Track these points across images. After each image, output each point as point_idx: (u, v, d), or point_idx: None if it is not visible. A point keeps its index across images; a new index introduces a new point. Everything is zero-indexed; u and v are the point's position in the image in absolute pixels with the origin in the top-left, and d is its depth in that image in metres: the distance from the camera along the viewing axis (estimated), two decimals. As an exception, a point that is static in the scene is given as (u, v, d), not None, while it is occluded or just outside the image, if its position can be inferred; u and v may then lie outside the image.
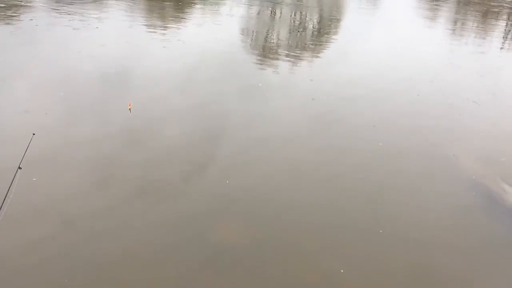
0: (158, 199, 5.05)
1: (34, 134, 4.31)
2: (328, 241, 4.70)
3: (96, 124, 6.57)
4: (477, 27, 14.20)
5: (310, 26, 13.22)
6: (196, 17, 12.81)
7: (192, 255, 4.31)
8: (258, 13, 14.02)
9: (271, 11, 14.24)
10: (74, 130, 6.29)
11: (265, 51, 10.73)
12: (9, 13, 11.33)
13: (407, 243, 4.78)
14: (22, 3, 12.28)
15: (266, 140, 6.52)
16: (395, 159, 6.35)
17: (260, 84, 8.58)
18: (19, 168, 3.79)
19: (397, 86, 9.08)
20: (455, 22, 14.66)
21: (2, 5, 11.77)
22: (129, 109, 7.10)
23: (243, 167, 5.84)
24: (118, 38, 10.59)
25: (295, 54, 10.56)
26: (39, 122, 6.35)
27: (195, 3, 13.91)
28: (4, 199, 3.45)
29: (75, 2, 12.84)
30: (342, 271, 4.31)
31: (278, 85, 8.73)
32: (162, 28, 11.62)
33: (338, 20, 13.95)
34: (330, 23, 13.72)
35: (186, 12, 13.16)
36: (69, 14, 11.64)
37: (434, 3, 17.15)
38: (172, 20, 12.50)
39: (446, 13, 15.78)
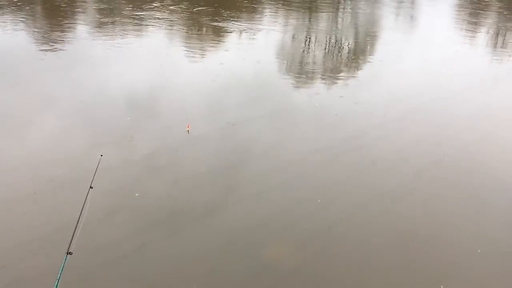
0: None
1: (102, 155, 4.53)
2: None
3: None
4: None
5: (346, 50, 13.36)
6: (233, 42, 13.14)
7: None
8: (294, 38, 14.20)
9: (306, 36, 14.40)
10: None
11: (302, 74, 11.04)
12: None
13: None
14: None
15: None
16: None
17: (317, 104, 9.00)
18: (91, 187, 3.97)
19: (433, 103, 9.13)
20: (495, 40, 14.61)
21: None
22: (187, 130, 7.41)
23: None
24: (159, 61, 10.86)
25: (331, 76, 10.68)
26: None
27: (228, 31, 14.21)
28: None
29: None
30: None
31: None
32: (201, 52, 11.91)
33: (373, 43, 13.97)
34: (366, 45, 13.82)
35: (222, 38, 13.47)
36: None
37: (474, 18, 17.09)
38: (210, 41, 12.88)
39: (487, 29, 15.72)
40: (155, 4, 17.24)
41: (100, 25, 14.16)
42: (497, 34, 15.08)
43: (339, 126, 8.20)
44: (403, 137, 7.87)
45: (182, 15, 16.09)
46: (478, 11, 18.76)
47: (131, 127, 7.65)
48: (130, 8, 16.44)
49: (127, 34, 13.32)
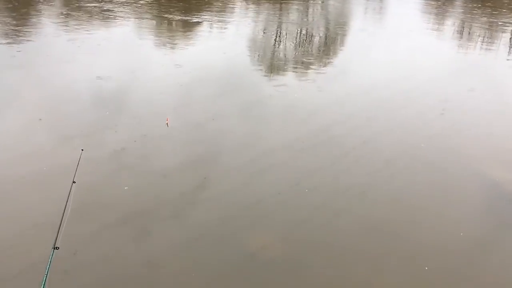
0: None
1: (82, 149, 4.54)
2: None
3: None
4: (484, 35, 14.57)
5: (316, 41, 13.51)
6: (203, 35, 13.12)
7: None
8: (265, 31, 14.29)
9: (278, 28, 14.51)
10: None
11: (273, 66, 11.21)
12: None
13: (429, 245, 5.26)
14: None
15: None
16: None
17: (288, 96, 9.21)
18: (74, 182, 4.00)
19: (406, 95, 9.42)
20: (461, 30, 15.04)
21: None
22: (167, 123, 7.40)
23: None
24: (126, 54, 10.82)
25: (301, 68, 10.86)
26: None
27: (201, 25, 14.18)
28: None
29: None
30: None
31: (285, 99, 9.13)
32: (170, 45, 11.85)
33: (344, 36, 14.20)
34: (336, 36, 14.01)
35: (194, 31, 13.40)
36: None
37: (441, 9, 17.52)
38: (179, 37, 12.82)
39: (453, 19, 16.16)
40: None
41: (65, 18, 13.89)
42: (462, 26, 15.56)
43: (309, 118, 8.33)
44: (373, 127, 8.07)
45: (150, 8, 15.93)
46: (445, 3, 19.28)
47: (105, 122, 7.59)
48: (96, 2, 16.14)
49: (93, 27, 13.11)
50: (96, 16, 14.36)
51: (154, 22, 14.25)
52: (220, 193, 5.97)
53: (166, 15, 14.97)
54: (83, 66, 10.05)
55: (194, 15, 15.27)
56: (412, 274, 4.79)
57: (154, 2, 17.08)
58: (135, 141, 7.08)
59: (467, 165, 6.90)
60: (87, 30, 12.73)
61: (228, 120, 8.04)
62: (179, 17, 14.86)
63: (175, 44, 12.36)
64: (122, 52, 11.26)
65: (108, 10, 15.11)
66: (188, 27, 13.96)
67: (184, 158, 6.77)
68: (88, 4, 15.64)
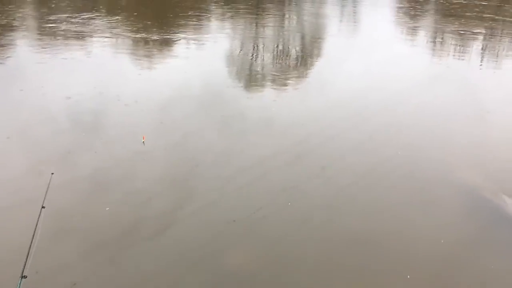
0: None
1: (52, 173, 4.46)
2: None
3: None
4: (455, 44, 14.85)
5: (293, 54, 13.69)
6: (181, 51, 13.14)
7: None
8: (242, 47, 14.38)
9: (254, 43, 14.61)
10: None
11: (250, 81, 11.25)
12: None
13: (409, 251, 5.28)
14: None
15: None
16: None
17: (265, 110, 9.22)
18: (43, 207, 3.92)
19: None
20: (434, 39, 15.32)
21: None
22: (143, 142, 7.36)
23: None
24: (101, 70, 10.73)
25: (279, 82, 10.94)
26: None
27: (178, 42, 14.22)
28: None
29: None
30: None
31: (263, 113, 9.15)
32: (146, 63, 11.85)
33: (319, 48, 14.30)
34: (312, 49, 14.15)
35: (170, 48, 13.43)
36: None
37: (413, 19, 17.85)
38: (155, 54, 12.85)
39: (425, 28, 16.46)
40: (96, 14, 16.93)
41: (36, 37, 13.77)
42: (435, 35, 15.86)
43: (287, 131, 8.37)
44: (351, 139, 8.14)
45: (124, 26, 15.89)
46: (417, 14, 19.66)
47: (79, 143, 7.48)
48: (70, 19, 16.05)
49: (69, 45, 13.01)
50: (69, 35, 14.25)
51: (129, 40, 14.19)
52: (199, 211, 5.93)
53: (141, 33, 14.93)
54: (56, 87, 9.94)
55: (170, 32, 15.28)
56: (394, 284, 4.76)
57: (129, 20, 17.06)
58: (110, 161, 7.00)
59: (443, 173, 6.99)
60: (59, 50, 12.61)
61: (207, 136, 8.01)
62: (155, 35, 14.84)
63: (151, 61, 12.32)
64: (97, 72, 11.16)
65: (81, 29, 15.01)
66: (164, 44, 13.95)
67: (162, 176, 6.72)
68: (60, 24, 15.51)
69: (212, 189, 6.40)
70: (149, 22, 16.89)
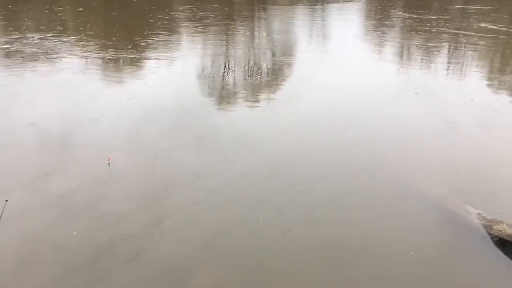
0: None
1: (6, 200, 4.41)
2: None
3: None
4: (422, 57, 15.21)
5: (264, 70, 13.88)
6: (151, 68, 13.12)
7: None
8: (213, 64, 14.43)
9: (226, 60, 14.71)
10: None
11: (222, 99, 11.31)
12: None
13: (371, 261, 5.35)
14: None
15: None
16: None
17: (238, 127, 9.17)
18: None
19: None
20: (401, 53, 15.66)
21: None
22: (108, 163, 7.29)
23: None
24: (67, 91, 10.61)
25: (250, 99, 11.02)
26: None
27: (149, 58, 14.19)
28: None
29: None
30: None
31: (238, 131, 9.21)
32: (115, 83, 11.82)
33: (290, 64, 14.51)
34: (282, 65, 14.33)
35: (140, 67, 13.39)
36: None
37: (380, 34, 18.23)
38: (125, 74, 12.81)
39: (392, 42, 16.82)
40: (60, 34, 16.79)
41: (5, 55, 13.55)
42: (401, 48, 16.23)
43: (260, 148, 8.44)
44: (324, 153, 8.26)
45: (94, 46, 15.79)
46: (384, 27, 20.10)
47: (45, 166, 7.34)
48: (33, 39, 15.86)
49: (33, 66, 12.84)
50: (32, 56, 14.05)
51: (97, 60, 14.10)
52: (172, 232, 5.89)
53: (109, 52, 14.85)
54: (19, 110, 9.75)
55: (139, 50, 15.24)
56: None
57: (96, 39, 16.97)
58: (77, 184, 6.89)
59: (411, 185, 7.13)
60: (23, 71, 12.43)
61: (178, 155, 8.00)
62: (123, 53, 14.79)
63: (119, 80, 12.27)
64: (63, 93, 11.06)
65: (44, 49, 14.84)
66: (133, 62, 13.91)
67: (131, 198, 6.65)
68: (22, 45, 15.30)
69: (184, 210, 6.38)
70: (117, 41, 16.82)
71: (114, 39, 17.12)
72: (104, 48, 15.51)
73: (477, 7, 24.68)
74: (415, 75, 13.14)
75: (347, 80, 12.58)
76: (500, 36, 17.19)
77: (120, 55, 14.60)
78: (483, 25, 19.34)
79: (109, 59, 14.16)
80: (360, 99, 11.08)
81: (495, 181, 7.24)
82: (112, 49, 15.27)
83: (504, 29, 18.50)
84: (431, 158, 8.07)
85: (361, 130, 9.19)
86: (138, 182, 7.11)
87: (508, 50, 15.90)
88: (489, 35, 17.42)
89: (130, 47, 15.76)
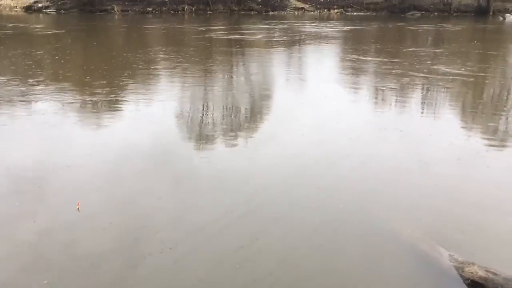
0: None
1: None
2: None
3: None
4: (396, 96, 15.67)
5: (243, 111, 14.10)
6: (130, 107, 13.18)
7: None
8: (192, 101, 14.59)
9: (204, 101, 14.95)
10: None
11: (201, 139, 11.39)
12: None
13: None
14: None
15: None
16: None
17: (216, 167, 9.15)
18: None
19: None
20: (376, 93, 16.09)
21: None
22: (78, 208, 7.20)
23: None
24: (44, 135, 10.57)
25: (229, 139, 11.15)
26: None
27: (127, 99, 14.28)
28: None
29: None
30: None
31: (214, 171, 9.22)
32: (92, 126, 11.87)
33: (267, 105, 14.73)
34: (261, 105, 14.61)
35: (118, 109, 13.46)
36: None
37: (355, 78, 18.74)
38: (103, 115, 12.84)
39: (368, 82, 17.28)
40: (40, 77, 16.81)
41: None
42: (376, 88, 16.68)
43: (238, 189, 8.48)
44: (301, 192, 8.33)
45: (71, 88, 15.82)
46: (359, 68, 20.70)
47: (15, 212, 7.20)
48: (10, 83, 15.84)
49: (8, 111, 12.75)
50: (7, 100, 13.98)
51: (74, 103, 14.11)
52: (148, 278, 5.76)
53: (86, 95, 14.90)
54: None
55: (117, 93, 15.33)
56: None
57: (74, 83, 17.03)
58: (50, 229, 6.75)
59: (385, 228, 7.21)
60: None
61: (156, 197, 7.96)
62: (101, 96, 14.85)
63: (96, 124, 12.26)
64: (39, 138, 10.96)
65: (21, 93, 14.80)
66: (111, 105, 13.96)
67: (106, 242, 6.54)
68: None
69: (160, 254, 6.29)
70: (93, 83, 16.92)
71: (90, 81, 17.24)
72: (79, 90, 15.58)
73: (440, 50, 25.99)
74: (390, 115, 13.47)
75: (324, 120, 12.81)
76: (465, 79, 17.87)
77: (96, 98, 14.66)
78: (444, 68, 20.17)
79: (85, 102, 14.19)
80: (336, 139, 11.29)
81: (466, 221, 7.37)
82: (88, 92, 15.35)
83: (467, 72, 19.31)
84: (406, 198, 8.20)
85: (337, 171, 9.31)
86: (112, 226, 7.02)
87: (477, 91, 16.52)
88: (455, 77, 18.11)
89: (106, 89, 15.87)
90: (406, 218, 7.48)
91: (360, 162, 9.75)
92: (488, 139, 11.28)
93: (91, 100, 14.34)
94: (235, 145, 10.84)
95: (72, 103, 14.12)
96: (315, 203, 7.95)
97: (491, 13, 49.94)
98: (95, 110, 13.51)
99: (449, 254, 6.30)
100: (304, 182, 8.80)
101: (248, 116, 13.66)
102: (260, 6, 58.68)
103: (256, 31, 37.30)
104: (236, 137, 11.44)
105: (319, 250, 6.55)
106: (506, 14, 48.85)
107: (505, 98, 16.03)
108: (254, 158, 10.02)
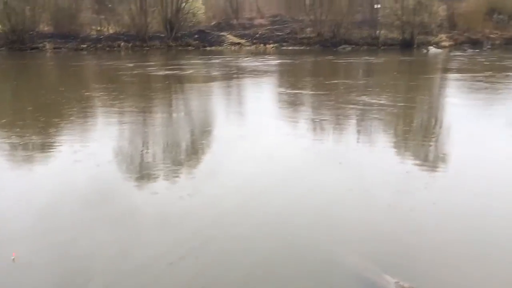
0: None
1: None
2: None
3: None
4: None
5: (183, 147, 14.04)
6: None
7: None
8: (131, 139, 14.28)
9: (143, 139, 14.64)
10: None
11: (141, 176, 11.08)
12: None
13: None
14: None
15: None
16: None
17: (157, 204, 8.85)
18: None
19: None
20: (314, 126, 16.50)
21: None
22: (13, 259, 6.83)
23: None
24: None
25: (170, 175, 10.99)
26: None
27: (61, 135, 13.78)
28: None
29: None
30: None
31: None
32: (25, 168, 11.37)
33: (208, 140, 14.81)
34: (202, 141, 14.58)
35: (54, 149, 12.94)
36: None
37: (293, 110, 19.18)
38: (37, 155, 12.30)
39: (306, 115, 17.72)
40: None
41: None
42: (313, 121, 17.15)
43: (181, 224, 8.35)
44: (247, 224, 8.32)
45: (2, 127, 15.03)
46: (297, 101, 21.26)
47: None
48: None
49: None
50: None
51: (4, 145, 13.39)
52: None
53: (18, 137, 14.21)
54: None
55: (52, 134, 14.75)
56: None
57: (5, 124, 16.23)
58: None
59: (331, 258, 7.28)
60: None
61: (96, 238, 7.62)
62: (34, 138, 14.21)
63: (30, 167, 11.67)
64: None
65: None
66: (45, 147, 13.37)
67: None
68: None
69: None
70: (26, 123, 16.20)
71: (22, 122, 16.47)
72: (11, 132, 14.81)
73: (363, 82, 27.65)
74: (327, 145, 13.86)
75: (264, 153, 12.97)
76: (390, 109, 18.89)
77: (29, 140, 13.99)
78: (368, 99, 21.25)
79: (16, 144, 13.49)
80: (277, 171, 11.42)
81: (410, 247, 7.60)
82: (20, 133, 14.62)
83: (390, 102, 20.47)
84: (350, 226, 8.37)
85: (279, 204, 9.38)
86: (50, 273, 6.70)
87: (407, 120, 17.46)
88: (381, 108, 19.09)
89: (40, 130, 15.20)
90: (351, 246, 7.61)
91: (302, 192, 9.89)
92: (420, 164, 11.89)
93: (22, 142, 13.65)
94: (176, 182, 10.69)
95: (2, 144, 13.39)
96: (259, 236, 7.93)
97: (415, 46, 53.50)
98: (27, 152, 12.85)
99: (395, 281, 6.42)
100: (244, 217, 8.80)
101: (188, 151, 13.56)
102: (197, 41, 59.35)
103: (193, 66, 37.60)
104: (177, 173, 11.30)
105: (263, 285, 6.48)
106: (429, 47, 52.56)
107: (430, 125, 17.05)
108: (194, 193, 9.92)
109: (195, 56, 47.37)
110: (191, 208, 9.04)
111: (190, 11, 60.50)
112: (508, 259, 7.25)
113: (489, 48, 52.89)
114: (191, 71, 33.82)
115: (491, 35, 55.77)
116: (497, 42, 54.79)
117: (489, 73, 30.52)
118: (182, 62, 41.13)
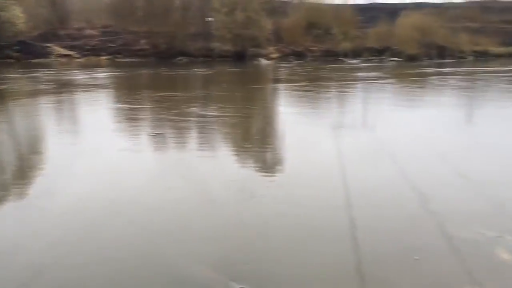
0: None
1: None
2: None
3: None
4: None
5: (9, 170, 12.80)
6: None
7: None
8: None
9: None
10: None
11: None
12: None
13: None
14: None
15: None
16: None
17: None
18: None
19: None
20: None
21: None
22: None
23: None
24: None
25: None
26: None
27: None
28: None
29: None
30: None
31: None
32: None
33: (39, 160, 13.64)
34: (30, 161, 13.47)
35: None
36: None
37: (133, 125, 18.67)
38: None
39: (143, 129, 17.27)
40: None
41: None
42: (156, 133, 16.91)
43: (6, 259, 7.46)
44: (85, 251, 7.78)
45: None
46: (133, 114, 20.73)
47: None
48: None
49: None
50: None
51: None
52: None
53: None
54: None
55: None
56: None
57: None
58: None
59: (181, 273, 7.19)
60: None
61: None
62: None
63: None
64: None
65: None
66: None
67: None
68: None
69: None
70: None
71: None
72: None
73: (193, 94, 28.62)
74: (169, 160, 13.81)
75: (103, 169, 12.40)
76: (225, 120, 19.78)
77: None
78: (200, 111, 22.00)
79: None
80: (121, 184, 11.09)
81: (258, 250, 7.90)
82: None
83: (222, 113, 21.46)
84: (198, 239, 8.39)
85: (125, 219, 9.10)
86: None
87: (249, 129, 18.37)
88: (217, 118, 19.87)
89: None
90: (197, 258, 7.62)
91: (146, 210, 9.68)
92: (262, 169, 12.56)
93: None
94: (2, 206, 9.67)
95: None
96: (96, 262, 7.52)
97: (247, 58, 56.59)
98: None
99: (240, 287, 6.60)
100: (80, 243, 8.19)
101: (18, 172, 12.31)
102: (19, 53, 53.69)
103: (16, 81, 33.99)
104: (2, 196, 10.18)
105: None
106: (260, 59, 56.28)
107: (264, 133, 18.16)
108: (24, 218, 9.10)
109: (17, 70, 42.88)
110: (17, 241, 8.07)
111: (8, 20, 54.52)
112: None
113: (310, 59, 58.78)
114: (14, 85, 30.52)
115: (311, 48, 62.04)
116: (317, 54, 61.13)
117: (306, 82, 33.95)
118: (2, 76, 36.80)
